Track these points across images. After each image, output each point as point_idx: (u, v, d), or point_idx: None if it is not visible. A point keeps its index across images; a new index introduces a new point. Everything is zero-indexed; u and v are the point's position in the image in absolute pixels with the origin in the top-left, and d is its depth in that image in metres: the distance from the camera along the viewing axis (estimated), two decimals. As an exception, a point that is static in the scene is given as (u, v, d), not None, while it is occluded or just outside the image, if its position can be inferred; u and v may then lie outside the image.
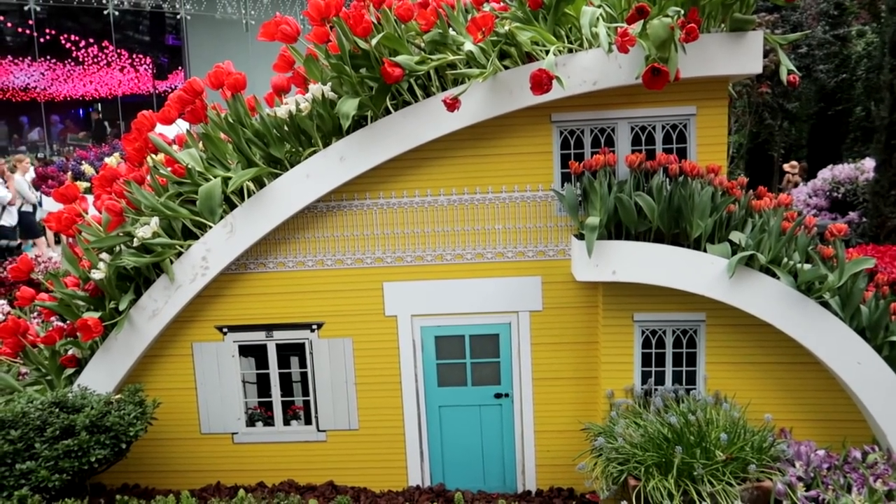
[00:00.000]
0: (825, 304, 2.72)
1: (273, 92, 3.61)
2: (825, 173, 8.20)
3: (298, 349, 3.26)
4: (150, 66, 22.11)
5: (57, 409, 2.76)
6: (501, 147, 3.11)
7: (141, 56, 22.26)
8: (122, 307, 3.14)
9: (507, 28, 3.03)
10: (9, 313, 4.33)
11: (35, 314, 4.48)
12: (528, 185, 3.09)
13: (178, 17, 21.32)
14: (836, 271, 2.71)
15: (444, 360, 3.20)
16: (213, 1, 20.83)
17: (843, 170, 8.05)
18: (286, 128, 3.19)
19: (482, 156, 3.12)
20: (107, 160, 7.98)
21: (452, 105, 2.94)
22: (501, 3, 3.41)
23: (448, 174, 3.15)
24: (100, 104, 22.85)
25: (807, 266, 2.71)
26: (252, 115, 3.28)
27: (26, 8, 19.63)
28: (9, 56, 20.36)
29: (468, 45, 3.06)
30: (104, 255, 3.28)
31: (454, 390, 3.23)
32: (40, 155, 13.12)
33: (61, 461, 2.60)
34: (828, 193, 8.00)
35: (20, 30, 20.24)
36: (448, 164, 3.15)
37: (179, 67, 22.27)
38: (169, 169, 3.35)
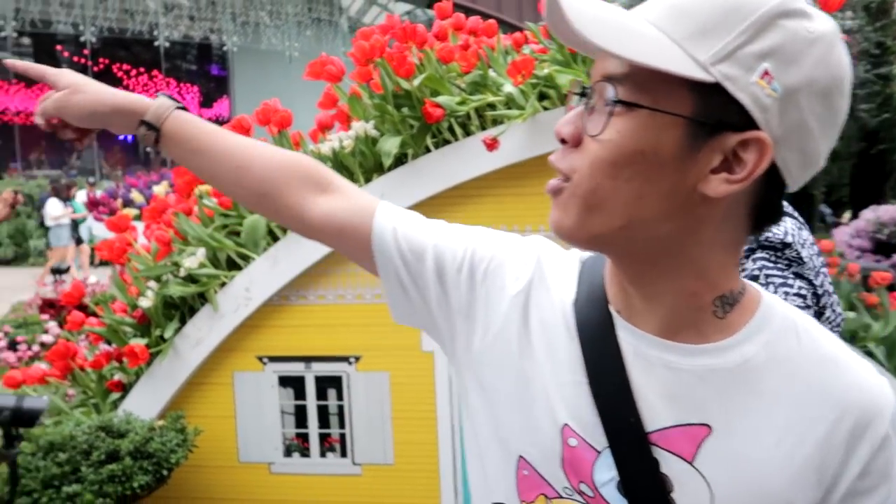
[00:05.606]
0: (870, 354, 2.68)
1: (318, 128, 3.72)
2: (868, 214, 8.04)
3: (336, 382, 3.31)
4: (197, 95, 22.89)
5: (103, 434, 2.85)
6: (540, 186, 3.13)
7: (188, 84, 23.04)
8: (167, 335, 3.24)
9: (546, 71, 3.09)
10: (58, 335, 4.50)
11: (83, 337, 4.63)
12: (566, 225, 3.12)
13: (225, 48, 22.04)
14: (882, 320, 2.67)
15: (478, 397, 3.22)
16: (259, 33, 21.51)
17: (887, 210, 7.88)
18: (329, 164, 3.29)
19: (520, 195, 3.17)
20: (155, 189, 8.26)
21: (492, 145, 3.00)
22: (540, 46, 3.48)
23: (486, 212, 3.20)
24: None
25: (850, 314, 2.68)
26: (296, 150, 3.39)
27: (82, 39, 20.52)
28: (64, 83, 21.23)
29: (508, 87, 3.14)
30: (152, 284, 3.39)
31: (488, 428, 3.23)
32: (91, 179, 13.62)
33: (106, 485, 2.67)
34: (871, 235, 7.83)
35: (76, 59, 21.17)
36: (486, 202, 3.20)
37: (224, 96, 22.95)
38: (215, 200, 3.47)
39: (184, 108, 0.91)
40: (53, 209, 10.47)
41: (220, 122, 3.56)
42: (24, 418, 2.70)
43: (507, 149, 3.07)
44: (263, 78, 20.72)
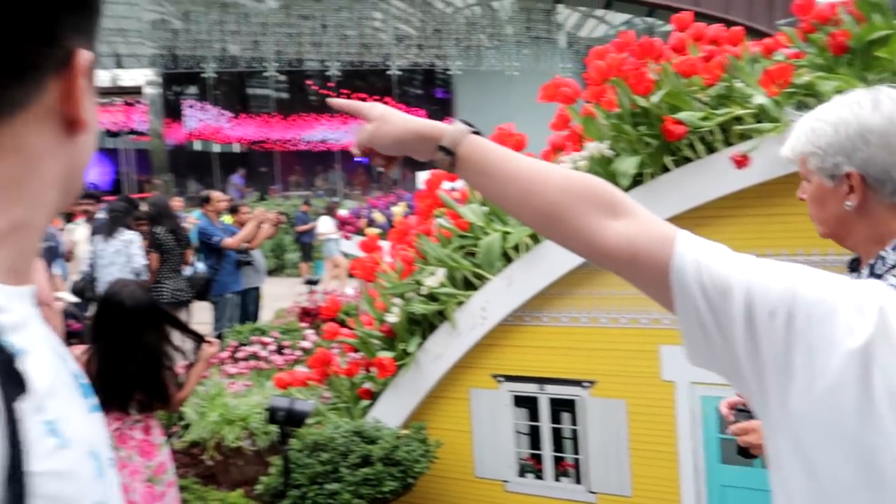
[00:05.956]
0: None
1: (550, 149, 3.75)
2: None
3: (570, 405, 3.29)
4: (424, 118, 24.42)
5: (357, 438, 3.12)
6: (795, 206, 2.84)
7: (416, 109, 24.72)
8: (410, 349, 3.46)
9: (805, 78, 2.81)
10: (315, 343, 5.07)
11: (335, 346, 5.13)
12: (831, 248, 2.79)
13: (449, 72, 23.31)
14: None
15: (728, 435, 2.99)
16: (480, 55, 22.44)
17: None
18: (564, 186, 3.29)
19: (770, 215, 2.90)
20: (393, 209, 8.93)
21: (742, 162, 2.79)
22: (793, 49, 3.17)
23: (731, 234, 2.97)
24: (381, 153, 25.78)
25: None
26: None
27: (327, 73, 23.05)
28: (312, 113, 24.05)
29: (758, 99, 2.89)
30: (396, 300, 3.66)
31: (740, 470, 2.98)
32: (335, 199, 15.21)
33: (360, 487, 2.92)
34: None
35: (321, 91, 23.75)
36: (731, 223, 2.98)
37: (448, 118, 24.24)
38: (452, 222, 3.65)
39: (478, 133, 0.94)
40: (323, 227, 11.87)
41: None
42: (295, 419, 3.06)
43: (759, 166, 2.82)
44: (484, 98, 21.59)
